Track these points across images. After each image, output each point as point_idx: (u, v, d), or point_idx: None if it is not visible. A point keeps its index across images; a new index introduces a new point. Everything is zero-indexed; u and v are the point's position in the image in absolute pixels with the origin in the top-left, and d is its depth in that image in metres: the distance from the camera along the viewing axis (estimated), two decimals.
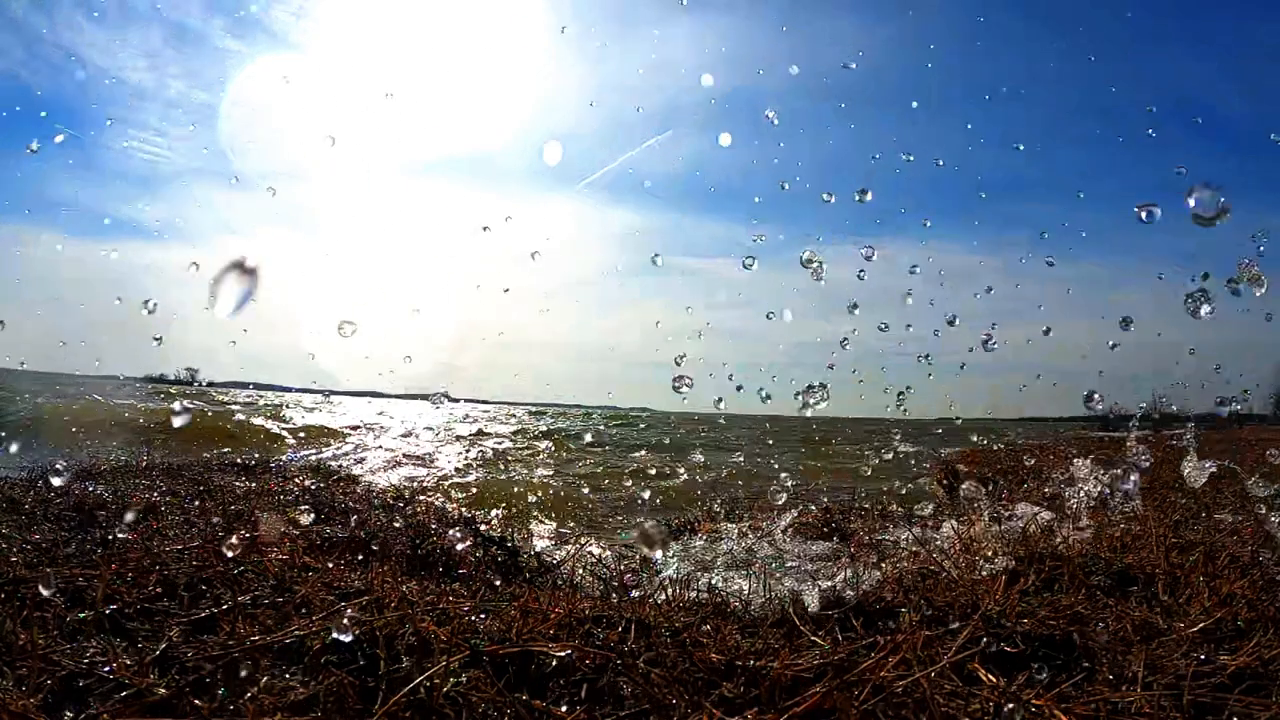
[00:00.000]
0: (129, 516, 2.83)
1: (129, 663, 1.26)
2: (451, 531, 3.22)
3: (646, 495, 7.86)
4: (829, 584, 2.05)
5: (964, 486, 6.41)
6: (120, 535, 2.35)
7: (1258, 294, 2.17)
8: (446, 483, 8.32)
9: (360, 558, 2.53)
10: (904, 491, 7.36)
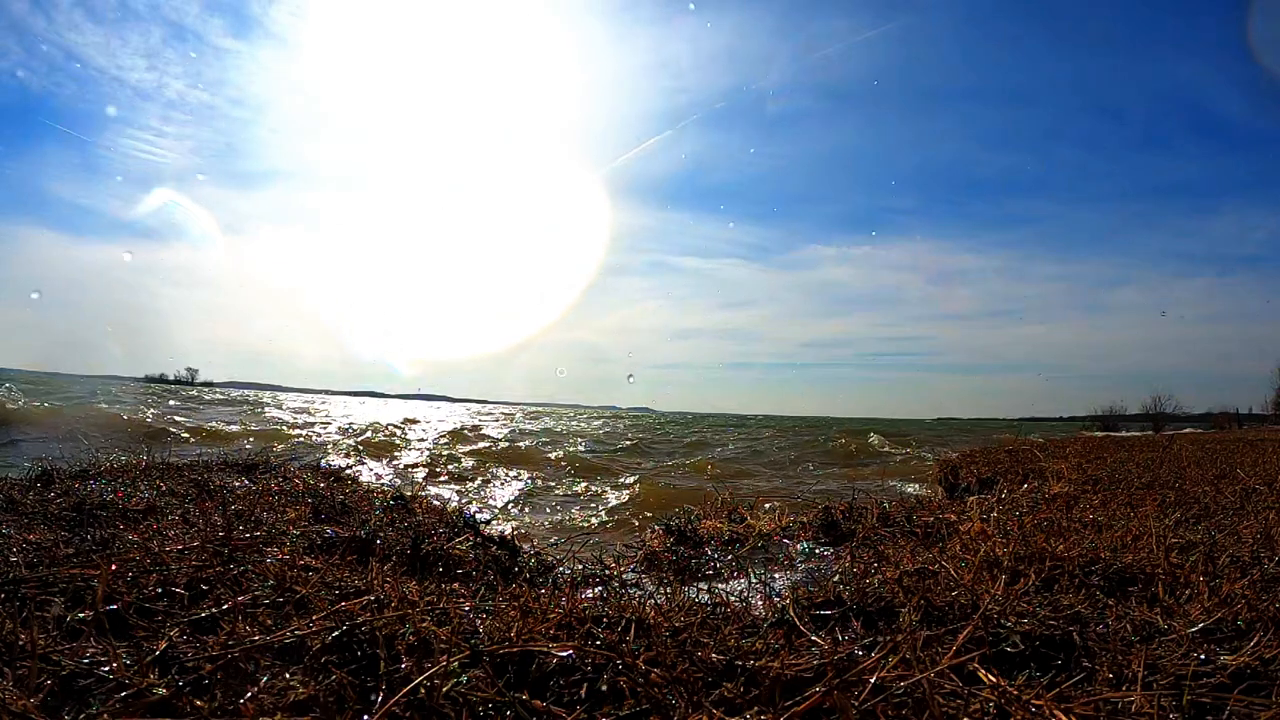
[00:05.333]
0: (129, 516, 2.83)
1: (129, 663, 1.26)
2: (452, 531, 3.22)
3: (647, 494, 7.86)
4: (829, 584, 2.05)
5: (964, 486, 6.41)
6: (120, 535, 2.35)
7: None
8: (449, 485, 8.32)
9: (360, 558, 2.53)
10: (904, 491, 7.36)
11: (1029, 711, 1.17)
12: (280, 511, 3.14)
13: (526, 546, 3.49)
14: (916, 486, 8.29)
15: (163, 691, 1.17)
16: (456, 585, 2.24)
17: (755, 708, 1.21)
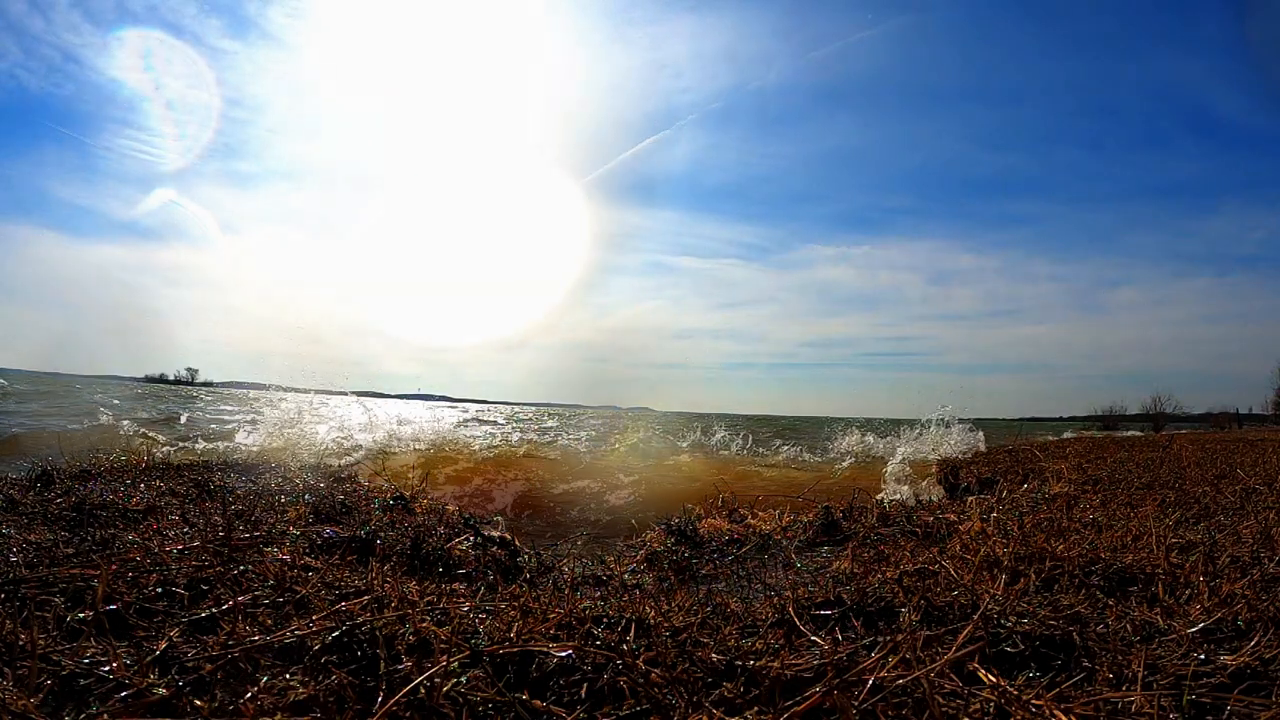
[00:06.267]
0: (129, 516, 2.83)
1: (129, 663, 1.26)
2: (451, 531, 3.22)
3: (647, 494, 7.86)
4: (828, 584, 2.05)
5: (964, 486, 6.41)
6: (120, 535, 2.35)
7: None
8: (448, 485, 8.31)
9: (360, 558, 2.53)
10: (904, 491, 7.35)
11: (1029, 711, 1.17)
12: (280, 511, 3.14)
13: (526, 546, 3.49)
14: (917, 486, 8.27)
15: (163, 691, 1.17)
16: (457, 585, 2.24)
17: (755, 708, 1.21)
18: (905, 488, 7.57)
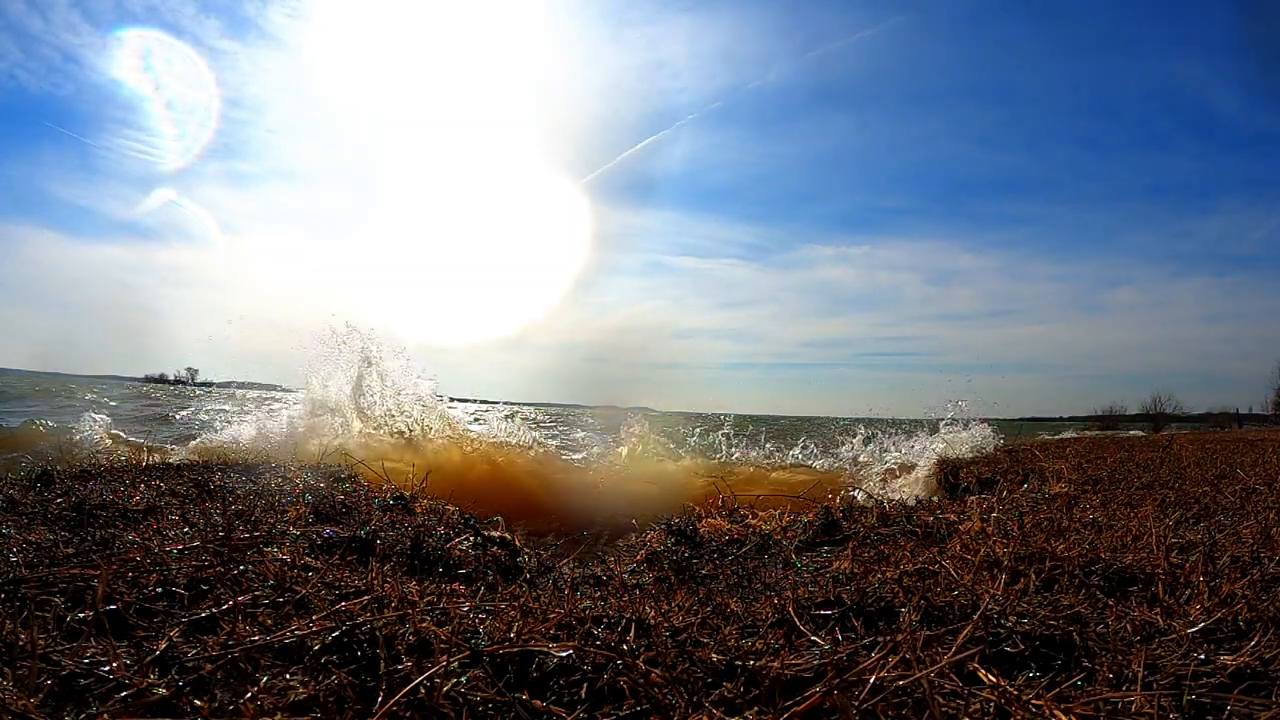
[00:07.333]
0: (129, 516, 2.83)
1: (129, 663, 1.26)
2: (452, 531, 3.22)
3: (646, 493, 7.86)
4: (828, 584, 2.05)
5: (964, 486, 6.40)
6: (120, 535, 2.35)
7: None
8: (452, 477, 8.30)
9: (360, 558, 2.52)
10: (904, 490, 7.35)
11: (1029, 711, 1.17)
12: (280, 511, 3.14)
13: (526, 547, 3.49)
14: (917, 487, 8.26)
15: (163, 691, 1.17)
16: (457, 585, 2.24)
17: (755, 708, 1.21)
18: (909, 487, 7.55)
